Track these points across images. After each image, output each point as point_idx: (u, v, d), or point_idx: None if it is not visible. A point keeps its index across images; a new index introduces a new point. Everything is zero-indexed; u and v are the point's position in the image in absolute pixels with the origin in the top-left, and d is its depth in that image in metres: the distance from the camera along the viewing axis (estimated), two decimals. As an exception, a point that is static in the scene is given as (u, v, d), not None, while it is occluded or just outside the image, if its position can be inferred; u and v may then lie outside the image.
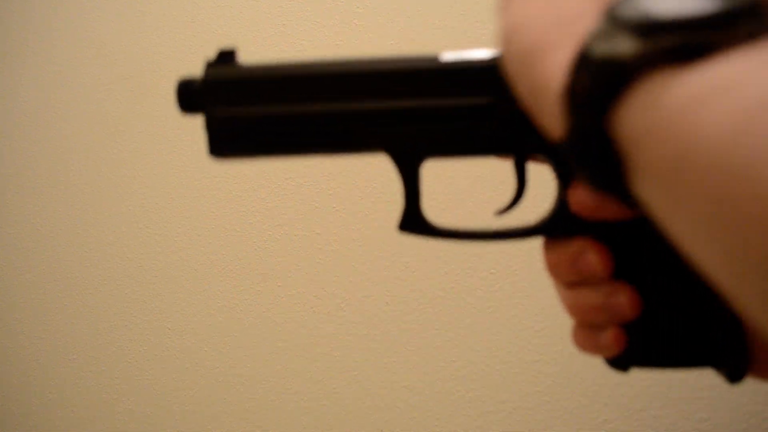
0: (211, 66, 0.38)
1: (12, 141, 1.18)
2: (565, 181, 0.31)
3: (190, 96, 0.38)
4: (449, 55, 0.34)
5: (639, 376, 0.78)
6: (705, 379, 0.76)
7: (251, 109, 0.34)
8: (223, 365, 0.97)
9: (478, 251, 0.87)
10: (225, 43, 1.11)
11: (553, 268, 0.32)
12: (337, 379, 0.91)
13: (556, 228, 0.32)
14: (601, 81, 0.20)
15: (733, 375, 0.31)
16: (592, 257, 0.30)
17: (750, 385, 0.76)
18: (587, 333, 0.32)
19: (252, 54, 1.11)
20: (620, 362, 0.32)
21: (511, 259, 0.84)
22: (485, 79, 0.32)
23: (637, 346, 0.31)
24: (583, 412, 0.81)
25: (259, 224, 0.99)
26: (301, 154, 0.35)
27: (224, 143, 0.36)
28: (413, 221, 0.34)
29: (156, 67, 1.11)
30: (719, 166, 0.16)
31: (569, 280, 0.32)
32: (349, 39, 1.01)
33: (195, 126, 1.15)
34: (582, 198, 0.29)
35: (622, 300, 0.30)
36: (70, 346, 1.06)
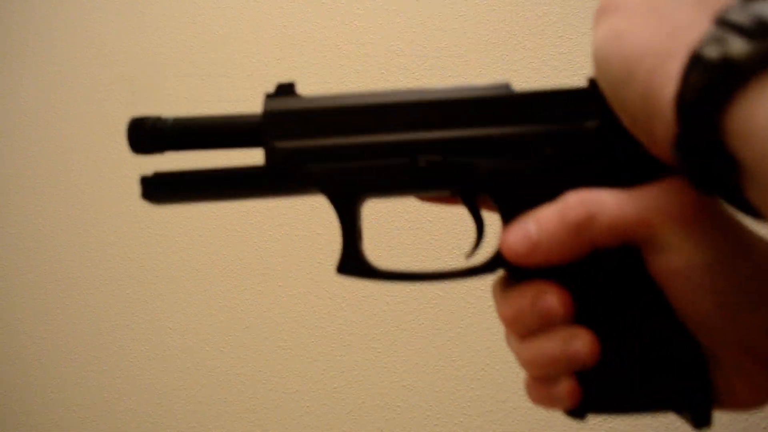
0: (269, 97, 0.37)
1: (12, 141, 1.18)
2: (506, 218, 0.30)
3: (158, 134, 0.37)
4: (391, 91, 0.33)
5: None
6: (704, 379, 0.76)
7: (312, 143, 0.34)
8: (224, 365, 0.97)
9: (479, 252, 0.87)
10: (225, 44, 1.12)
11: (511, 318, 0.31)
12: (337, 379, 0.92)
13: (498, 266, 0.31)
14: (716, 81, 0.20)
15: (698, 419, 0.29)
16: (551, 299, 0.29)
17: (749, 384, 0.76)
18: (541, 386, 0.31)
19: (251, 53, 1.12)
20: (577, 410, 0.30)
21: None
22: (428, 113, 0.31)
23: (594, 392, 0.30)
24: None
25: (260, 224, 0.99)
26: (238, 198, 0.35)
27: (154, 190, 0.37)
28: (352, 263, 0.33)
29: (156, 67, 1.11)
30: None
31: (527, 328, 0.30)
32: (349, 40, 1.01)
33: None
34: (510, 241, 0.29)
35: (581, 346, 0.29)
36: (71, 345, 1.06)
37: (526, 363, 0.31)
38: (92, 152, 1.12)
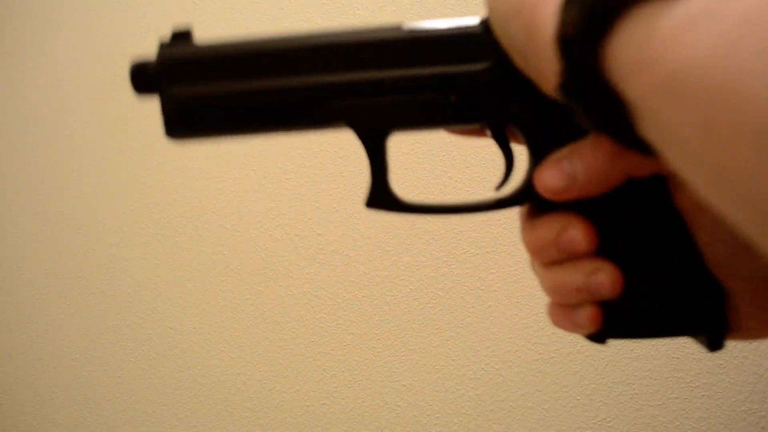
0: (165, 46, 0.35)
1: (13, 141, 1.18)
2: (536, 152, 0.30)
3: (144, 77, 0.36)
4: (413, 25, 0.33)
5: (637, 375, 0.79)
6: (702, 379, 0.76)
7: (208, 88, 0.33)
8: (224, 365, 0.97)
9: (478, 252, 0.87)
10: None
11: (535, 248, 0.31)
12: (337, 379, 0.92)
13: (526, 199, 0.31)
14: (590, 16, 0.20)
15: (713, 343, 0.30)
16: (575, 232, 0.29)
17: (747, 384, 0.76)
18: (563, 311, 0.31)
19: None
20: (598, 335, 0.31)
21: (510, 259, 0.85)
22: (451, 47, 0.31)
23: (614, 319, 0.30)
24: (581, 411, 0.81)
25: (260, 224, 0.99)
26: (261, 132, 0.33)
27: (181, 124, 0.33)
28: (381, 197, 0.32)
29: (156, 68, 1.11)
30: (709, 86, 0.16)
31: (551, 259, 0.30)
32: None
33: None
34: (546, 179, 0.28)
35: (604, 279, 0.29)
36: (71, 345, 1.06)
37: (549, 290, 0.31)
38: (92, 152, 1.12)
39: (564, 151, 0.28)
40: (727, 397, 0.76)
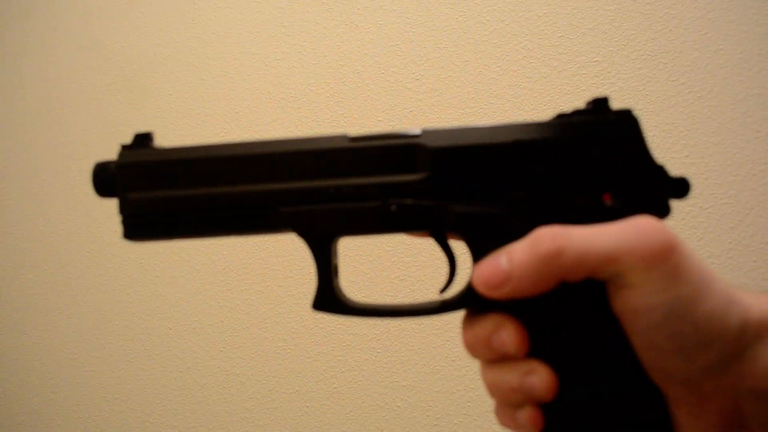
0: (126, 149, 0.36)
1: (13, 141, 1.18)
2: (477, 256, 0.31)
3: (105, 178, 0.37)
4: (357, 135, 0.33)
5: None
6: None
7: (164, 194, 0.34)
8: (224, 365, 0.97)
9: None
10: (225, 45, 1.12)
11: (470, 346, 0.32)
12: (337, 379, 0.92)
13: (469, 302, 0.32)
14: None
15: None
16: (506, 335, 0.30)
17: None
18: (507, 411, 0.31)
19: (251, 53, 1.12)
20: None
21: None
22: (392, 158, 0.32)
23: (556, 424, 0.30)
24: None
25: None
26: (216, 235, 0.35)
27: (138, 228, 0.35)
28: (327, 300, 0.34)
29: (156, 68, 1.11)
30: None
31: (485, 358, 0.31)
32: (349, 40, 1.01)
33: (195, 126, 1.16)
34: (483, 274, 0.30)
35: (537, 381, 0.30)
36: (71, 346, 1.06)
37: (488, 388, 0.32)
38: (92, 152, 1.12)
39: (501, 250, 0.30)
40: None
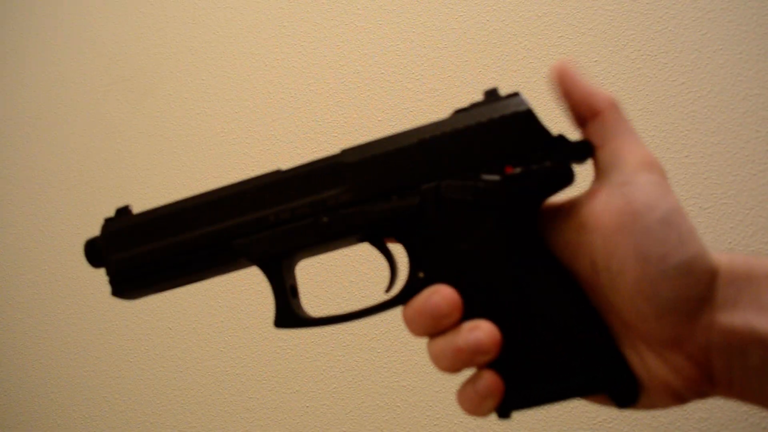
0: (108, 221, 0.43)
1: (13, 141, 1.18)
2: (413, 257, 0.35)
3: (93, 250, 0.43)
4: (288, 167, 0.38)
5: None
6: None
7: (137, 250, 0.40)
8: (224, 365, 0.97)
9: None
10: (225, 45, 1.12)
11: (410, 321, 0.34)
12: (337, 379, 0.92)
13: (411, 295, 0.35)
14: None
15: (621, 399, 0.31)
16: (437, 297, 0.32)
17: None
18: (467, 389, 0.33)
19: (251, 53, 1.12)
20: (501, 408, 0.32)
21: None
22: (317, 178, 0.37)
23: (515, 387, 0.32)
24: (582, 411, 0.81)
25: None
26: (188, 280, 0.40)
27: (122, 283, 0.40)
28: (286, 317, 0.38)
29: (156, 68, 1.11)
30: None
31: (425, 329, 0.33)
32: (349, 40, 1.01)
33: (195, 127, 1.16)
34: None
35: (481, 334, 0.31)
36: (71, 345, 1.06)
37: (435, 358, 0.33)
38: (92, 152, 1.12)
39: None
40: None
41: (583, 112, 0.33)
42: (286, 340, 0.95)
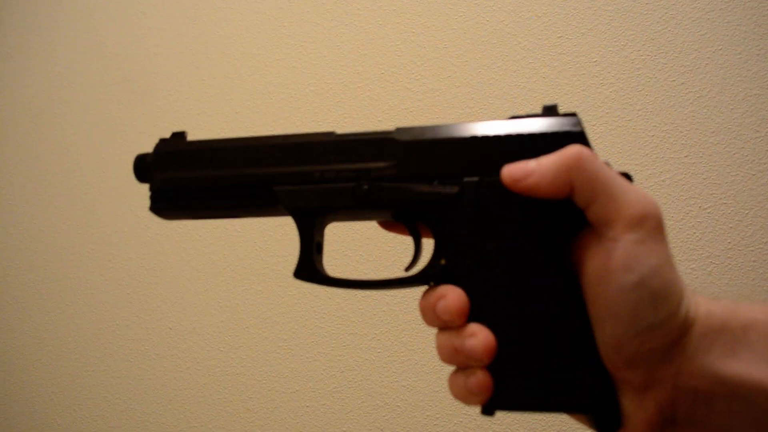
0: (162, 141, 0.44)
1: (13, 141, 1.18)
2: (439, 243, 0.36)
3: (142, 165, 0.44)
4: (341, 132, 0.40)
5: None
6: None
7: (184, 173, 0.42)
8: (224, 365, 0.97)
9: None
10: (225, 45, 1.12)
11: (423, 312, 0.36)
12: (337, 379, 0.92)
13: (429, 279, 0.37)
14: None
15: (602, 425, 0.32)
16: (445, 303, 0.34)
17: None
18: (459, 378, 0.34)
19: (251, 53, 1.12)
20: (486, 405, 0.33)
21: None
22: (367, 149, 0.38)
23: (503, 389, 0.33)
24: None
25: (260, 224, 0.99)
26: (223, 214, 0.42)
27: (161, 201, 0.42)
28: (306, 270, 0.39)
29: (156, 68, 1.11)
30: None
31: (434, 324, 0.35)
32: (349, 40, 1.01)
33: (196, 127, 1.16)
34: (511, 169, 0.34)
35: (475, 343, 0.33)
36: (71, 345, 1.06)
37: (438, 349, 0.35)
38: (93, 152, 1.12)
39: (527, 160, 0.35)
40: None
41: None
42: (286, 341, 0.95)
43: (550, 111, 0.37)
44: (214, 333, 0.98)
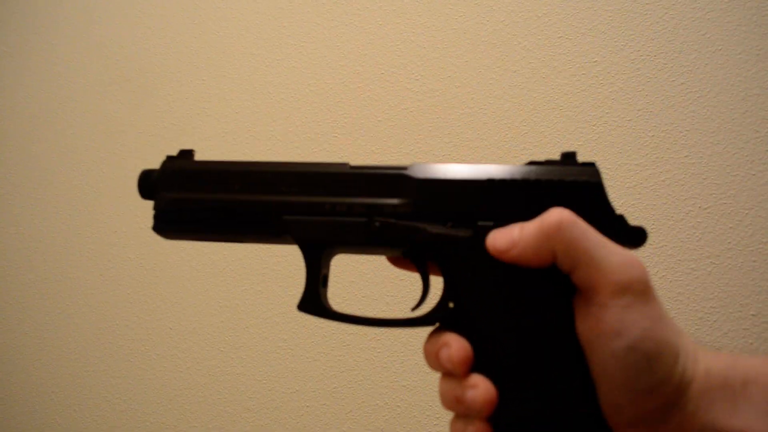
0: (169, 159, 0.43)
1: (13, 141, 1.18)
2: (449, 286, 0.36)
3: (147, 182, 0.43)
4: (356, 164, 0.39)
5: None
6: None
7: (191, 195, 0.40)
8: (224, 365, 0.97)
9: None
10: (225, 45, 1.12)
11: (426, 356, 0.36)
12: (337, 379, 0.92)
13: (435, 320, 0.36)
14: None
15: None
16: (447, 352, 0.34)
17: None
18: (459, 426, 0.34)
19: (251, 53, 1.12)
20: None
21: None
22: (381, 184, 0.38)
23: None
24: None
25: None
26: (227, 238, 0.41)
27: (165, 221, 0.41)
28: (311, 303, 0.38)
29: (156, 68, 1.11)
30: None
31: (436, 370, 0.35)
32: (349, 40, 1.01)
33: (195, 127, 1.16)
34: (497, 239, 0.34)
35: (476, 395, 0.32)
36: (71, 346, 1.06)
37: (440, 395, 0.35)
38: (93, 152, 1.12)
39: (512, 226, 0.34)
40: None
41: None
42: (286, 341, 0.95)
43: (568, 158, 0.37)
44: (214, 333, 0.98)
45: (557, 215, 0.32)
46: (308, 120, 1.00)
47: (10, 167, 1.17)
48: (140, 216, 1.05)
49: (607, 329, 0.30)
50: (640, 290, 0.30)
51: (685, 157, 0.84)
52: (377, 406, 0.90)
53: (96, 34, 1.17)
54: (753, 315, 0.79)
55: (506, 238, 0.33)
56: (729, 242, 0.81)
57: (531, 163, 0.37)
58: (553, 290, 0.33)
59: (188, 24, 1.11)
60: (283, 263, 0.97)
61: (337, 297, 0.93)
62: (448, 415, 0.87)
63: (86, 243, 1.08)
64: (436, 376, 0.98)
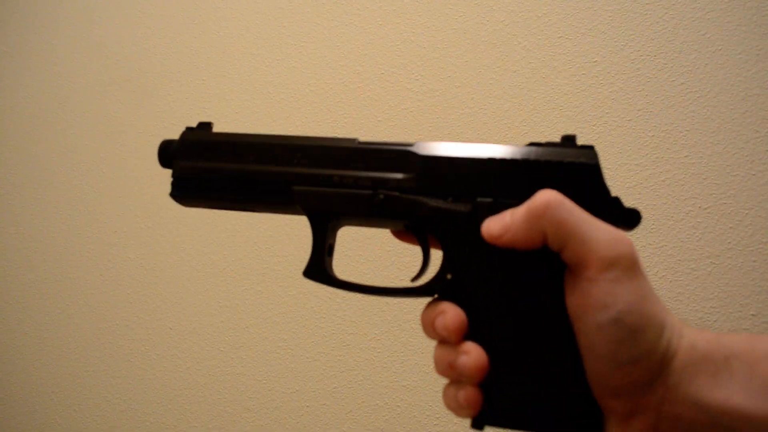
0: (188, 130, 0.45)
1: (13, 141, 1.18)
2: (448, 258, 0.37)
3: (167, 151, 0.45)
4: (364, 140, 0.41)
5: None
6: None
7: (207, 164, 0.43)
8: (224, 365, 0.97)
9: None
10: (225, 45, 1.12)
11: (423, 325, 0.37)
12: (337, 379, 0.92)
13: (433, 291, 0.38)
14: None
15: None
16: (442, 319, 0.35)
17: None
18: (451, 391, 0.35)
19: (251, 53, 1.12)
20: (476, 420, 0.34)
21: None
22: (387, 159, 0.40)
23: (493, 406, 0.34)
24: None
25: (260, 225, 0.99)
26: (238, 206, 0.43)
27: (182, 188, 0.43)
28: (316, 270, 0.40)
29: (156, 68, 1.11)
30: None
31: (433, 337, 0.36)
32: (349, 40, 1.01)
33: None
34: (489, 226, 0.35)
35: (467, 361, 0.34)
36: (71, 346, 1.06)
37: (434, 361, 0.36)
38: (93, 152, 1.12)
39: (504, 212, 0.36)
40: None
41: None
42: (286, 341, 0.95)
43: (568, 141, 0.38)
44: (214, 333, 0.98)
45: (545, 197, 0.33)
46: (308, 120, 1.00)
47: (10, 167, 1.17)
48: (140, 216, 1.05)
49: (594, 302, 0.31)
50: (627, 265, 0.31)
51: (685, 157, 0.84)
52: (377, 406, 0.90)
53: (96, 34, 1.17)
54: (753, 315, 0.79)
55: (499, 224, 0.35)
56: (729, 242, 0.81)
57: (532, 144, 0.38)
58: (546, 270, 0.34)
59: (188, 24, 1.11)
60: (283, 263, 0.97)
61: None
62: (449, 415, 0.87)
63: (86, 243, 1.08)
64: (436, 376, 0.98)
